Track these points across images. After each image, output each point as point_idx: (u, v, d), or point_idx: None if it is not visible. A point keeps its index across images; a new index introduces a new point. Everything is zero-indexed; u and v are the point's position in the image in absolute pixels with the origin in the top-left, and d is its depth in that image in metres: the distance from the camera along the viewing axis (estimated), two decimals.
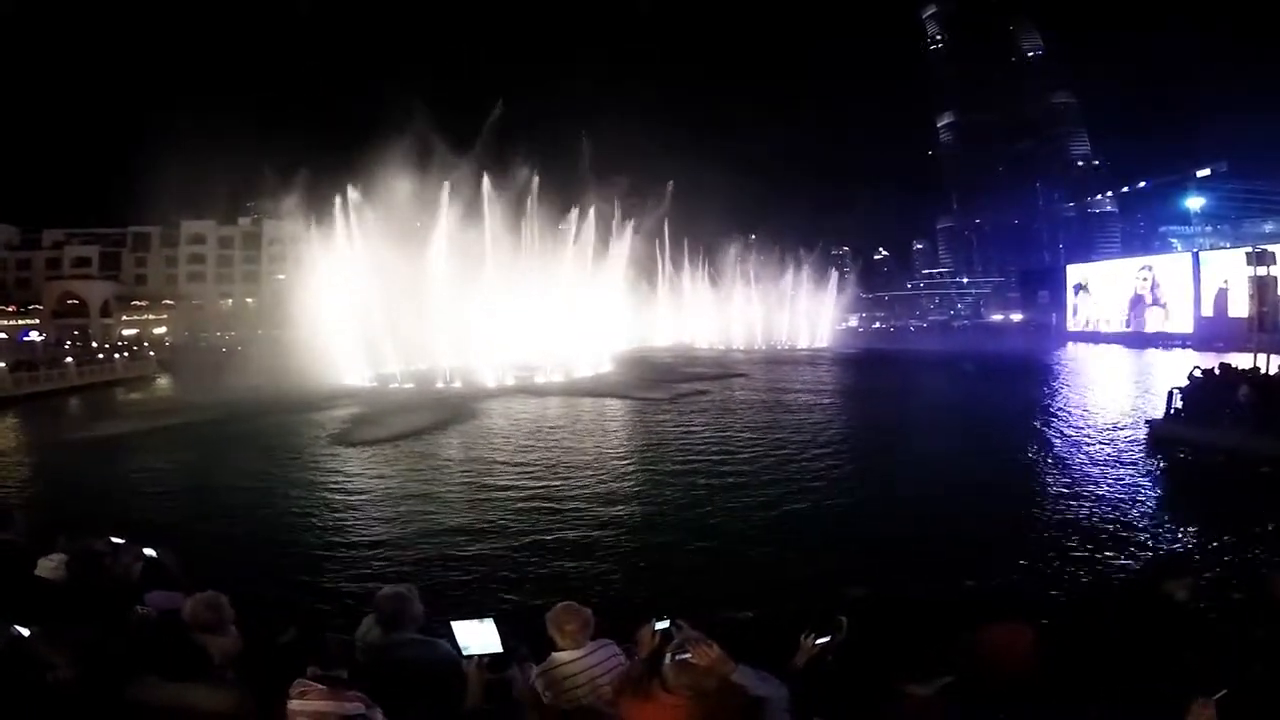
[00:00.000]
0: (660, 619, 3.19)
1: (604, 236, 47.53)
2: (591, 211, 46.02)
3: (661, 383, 36.77)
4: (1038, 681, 3.24)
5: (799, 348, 75.99)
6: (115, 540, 4.96)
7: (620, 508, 13.75)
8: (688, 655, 2.81)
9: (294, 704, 2.66)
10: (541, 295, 42.63)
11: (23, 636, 3.13)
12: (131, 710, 2.91)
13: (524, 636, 3.96)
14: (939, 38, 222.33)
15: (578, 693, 3.28)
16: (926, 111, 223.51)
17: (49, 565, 4.53)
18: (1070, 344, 72.80)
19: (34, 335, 74.47)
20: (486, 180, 41.73)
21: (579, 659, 3.36)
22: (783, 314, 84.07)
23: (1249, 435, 16.61)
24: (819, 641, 3.42)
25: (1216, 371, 20.42)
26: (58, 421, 31.11)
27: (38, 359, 50.46)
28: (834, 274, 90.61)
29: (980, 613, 3.76)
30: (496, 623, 3.13)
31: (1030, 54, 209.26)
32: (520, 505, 13.90)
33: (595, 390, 32.98)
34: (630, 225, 48.51)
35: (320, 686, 2.66)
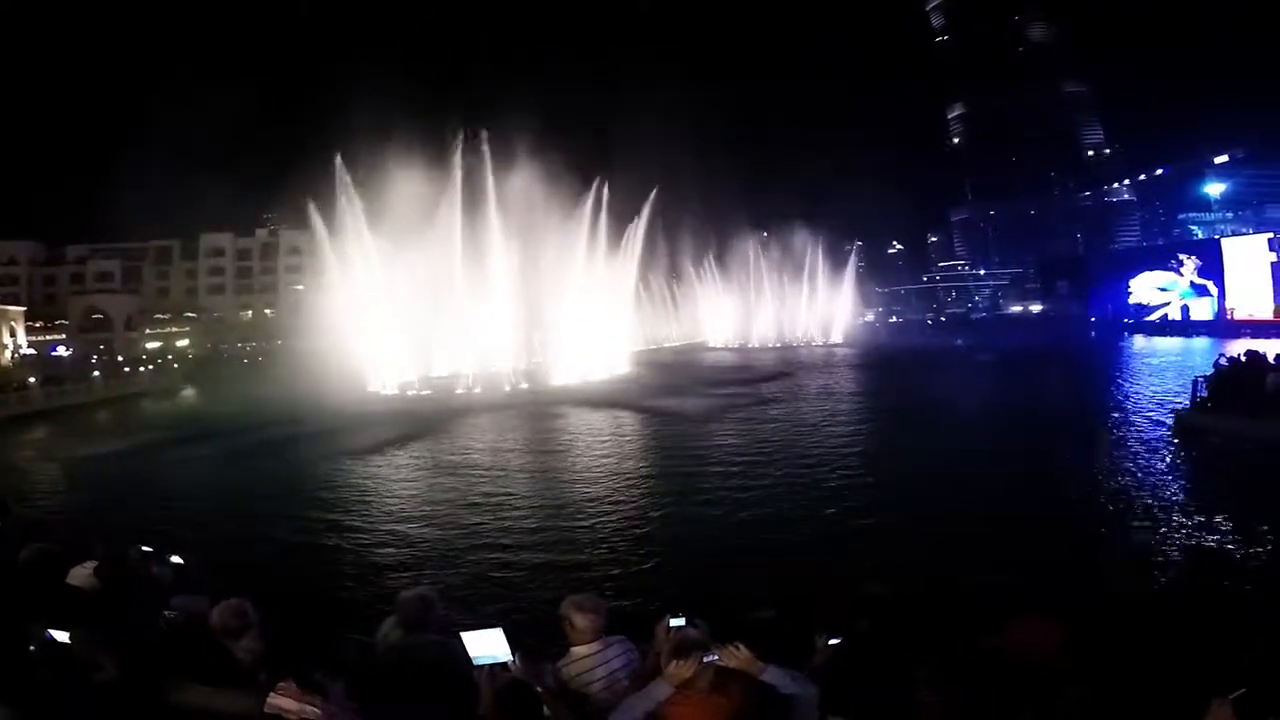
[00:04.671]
0: (675, 615, 3.22)
1: (616, 234, 47.28)
2: (604, 209, 45.75)
3: (679, 383, 36.63)
4: (1063, 676, 3.22)
5: (815, 344, 75.53)
6: (145, 548, 5.09)
7: (635, 510, 13.81)
8: (716, 657, 2.86)
9: (269, 699, 2.82)
10: (556, 297, 42.60)
11: (58, 642, 3.23)
12: (169, 713, 3.00)
13: (541, 639, 3.99)
14: (945, 29, 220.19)
15: (594, 687, 3.31)
16: (937, 104, 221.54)
17: (83, 573, 4.65)
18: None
19: (61, 350, 76.08)
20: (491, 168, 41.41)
21: (596, 654, 3.40)
22: (797, 310, 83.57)
23: (1279, 424, 16.29)
24: (832, 643, 3.43)
25: (1243, 360, 20.08)
26: (86, 433, 31.73)
27: (65, 374, 51.56)
28: (849, 268, 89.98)
29: (1005, 608, 3.74)
30: (505, 632, 3.17)
31: (1039, 42, 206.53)
32: (537, 511, 13.98)
33: (610, 395, 32.65)
34: (642, 222, 48.03)
35: (294, 686, 2.79)
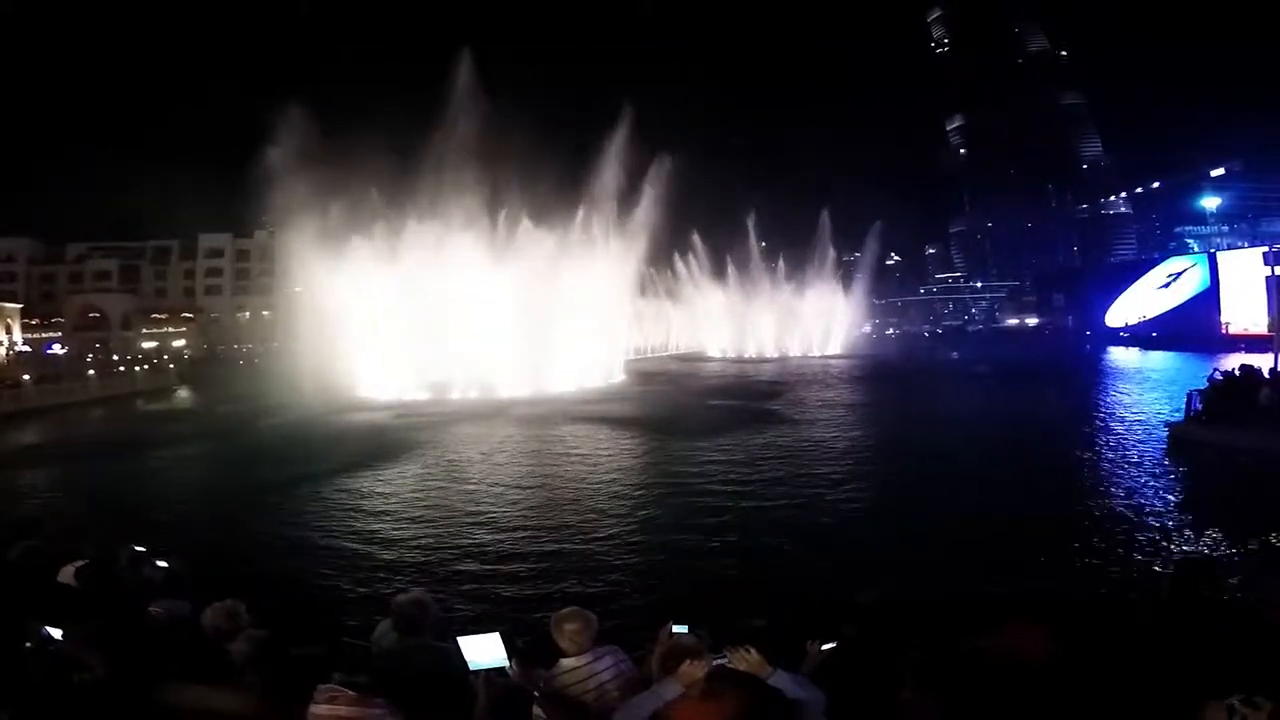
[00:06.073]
0: (677, 623, 3.22)
1: (613, 237, 47.18)
2: (600, 215, 45.69)
3: (676, 393, 36.54)
4: (1051, 683, 3.22)
5: (813, 355, 75.45)
6: (136, 549, 5.07)
7: (633, 522, 13.75)
8: (727, 659, 2.87)
9: (322, 709, 2.68)
10: (553, 303, 42.48)
11: (51, 638, 3.22)
12: (159, 711, 2.99)
13: (532, 646, 3.98)
14: (945, 41, 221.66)
15: (585, 698, 3.29)
16: (936, 115, 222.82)
17: (70, 572, 4.63)
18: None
19: (57, 348, 75.83)
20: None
21: (586, 664, 3.38)
22: (795, 321, 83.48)
23: (1272, 437, 16.40)
24: (824, 648, 3.44)
25: (1237, 373, 20.24)
26: (80, 432, 31.59)
27: (60, 372, 51.37)
28: (854, 279, 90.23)
29: (994, 617, 3.74)
30: (503, 636, 3.16)
31: (1037, 55, 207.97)
32: (532, 521, 13.89)
33: (607, 404, 32.25)
34: (639, 231, 47.95)
35: (349, 693, 2.68)
